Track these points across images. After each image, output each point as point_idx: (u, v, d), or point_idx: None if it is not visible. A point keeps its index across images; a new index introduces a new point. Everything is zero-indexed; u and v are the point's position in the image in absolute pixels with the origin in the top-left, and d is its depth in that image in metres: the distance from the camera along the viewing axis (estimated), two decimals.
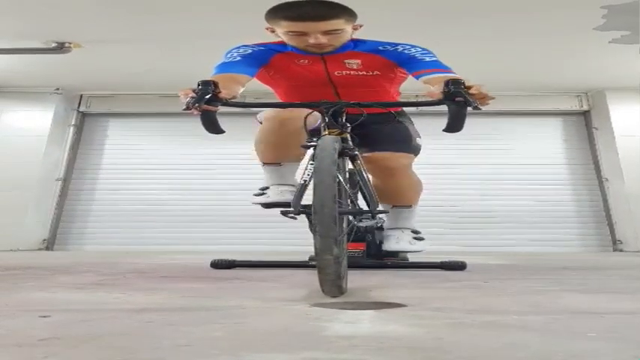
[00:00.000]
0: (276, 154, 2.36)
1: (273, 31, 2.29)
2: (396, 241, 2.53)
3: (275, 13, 2.19)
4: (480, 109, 1.71)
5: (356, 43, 2.35)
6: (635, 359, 0.82)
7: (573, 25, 4.24)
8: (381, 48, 2.34)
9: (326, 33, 2.20)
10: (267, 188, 2.44)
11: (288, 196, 2.36)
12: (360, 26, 2.32)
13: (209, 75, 1.94)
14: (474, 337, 0.97)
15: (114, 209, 5.82)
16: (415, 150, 2.56)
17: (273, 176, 2.43)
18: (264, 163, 2.45)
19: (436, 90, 1.81)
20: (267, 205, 2.37)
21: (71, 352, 0.84)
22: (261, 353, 0.83)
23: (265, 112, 2.42)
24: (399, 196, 2.53)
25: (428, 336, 0.97)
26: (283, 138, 2.25)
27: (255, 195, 2.44)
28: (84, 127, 6.28)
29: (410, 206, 2.58)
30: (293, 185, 2.44)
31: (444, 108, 1.80)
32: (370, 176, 2.38)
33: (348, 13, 2.22)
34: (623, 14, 3.98)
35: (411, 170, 2.54)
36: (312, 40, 2.21)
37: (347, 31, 2.26)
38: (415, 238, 2.56)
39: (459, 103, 1.72)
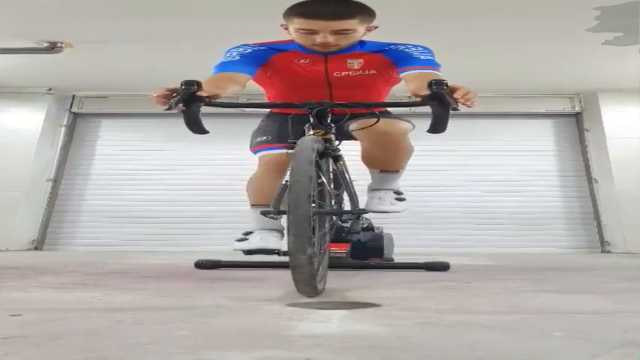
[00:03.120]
0: (268, 195, 2.33)
1: (286, 29, 2.28)
2: (378, 202, 2.40)
3: (291, 10, 2.18)
4: (458, 109, 1.71)
5: (363, 44, 2.33)
6: (593, 358, 0.83)
7: (566, 27, 4.24)
8: (386, 48, 2.32)
9: (335, 32, 2.18)
10: (250, 233, 2.38)
11: (271, 243, 2.31)
12: (375, 28, 2.30)
13: (202, 76, 1.93)
14: (439, 337, 0.98)
15: (104, 210, 5.79)
16: (410, 122, 2.46)
17: (260, 221, 2.32)
18: (253, 205, 2.42)
19: (420, 87, 1.80)
20: (248, 252, 2.30)
21: (33, 350, 0.84)
22: (220, 351, 0.83)
23: (262, 156, 2.44)
24: (390, 162, 2.40)
25: (393, 335, 0.98)
26: (278, 180, 2.23)
27: (237, 240, 2.36)
28: (75, 127, 6.24)
29: (397, 170, 2.45)
30: (279, 231, 2.39)
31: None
32: (364, 144, 2.36)
33: (365, 14, 2.20)
34: (617, 16, 4.00)
35: (407, 137, 2.42)
36: (319, 39, 2.19)
37: (358, 32, 2.23)
38: (397, 199, 2.43)
39: (440, 104, 1.73)
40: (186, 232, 5.60)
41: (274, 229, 2.37)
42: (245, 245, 2.30)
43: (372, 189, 2.46)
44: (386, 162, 2.39)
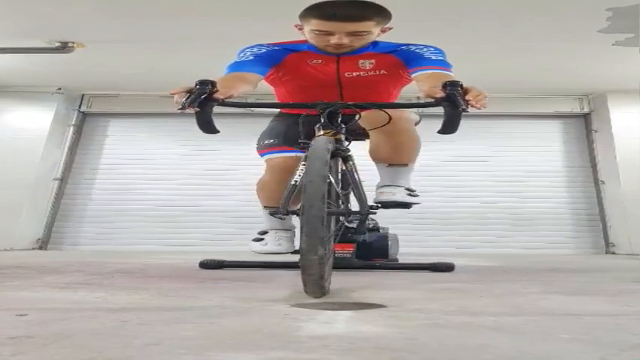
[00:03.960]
0: (278, 200, 2.34)
1: (301, 29, 2.29)
2: (390, 194, 2.36)
3: (309, 11, 2.18)
4: (467, 111, 1.71)
5: (375, 44, 2.33)
6: None
7: (577, 27, 4.23)
8: (398, 49, 2.33)
9: (350, 34, 2.19)
10: (265, 233, 2.49)
11: (285, 245, 2.45)
12: (390, 29, 2.30)
13: (213, 75, 1.93)
14: (446, 338, 0.97)
15: (110, 209, 5.80)
16: (416, 115, 2.49)
17: (272, 221, 2.45)
18: (265, 207, 2.50)
19: (434, 88, 1.80)
20: (264, 254, 2.47)
21: (40, 350, 0.84)
22: (228, 353, 0.83)
23: (269, 159, 2.47)
24: (398, 151, 2.36)
25: (400, 336, 0.98)
26: (285, 185, 2.24)
27: (254, 240, 2.50)
28: (84, 127, 6.26)
29: (406, 165, 2.42)
30: (290, 230, 2.53)
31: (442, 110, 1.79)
32: (372, 136, 2.37)
33: (381, 15, 2.20)
34: (628, 16, 3.99)
35: (413, 126, 2.42)
36: (334, 41, 2.20)
37: (373, 34, 2.24)
38: (409, 195, 2.39)
39: (452, 105, 1.72)
40: (192, 232, 5.62)
41: (286, 229, 2.49)
42: (261, 248, 2.46)
43: (380, 186, 2.41)
44: (394, 152, 2.35)
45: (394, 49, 2.33)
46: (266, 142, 2.52)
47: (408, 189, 2.39)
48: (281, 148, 2.44)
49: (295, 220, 2.29)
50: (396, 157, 2.37)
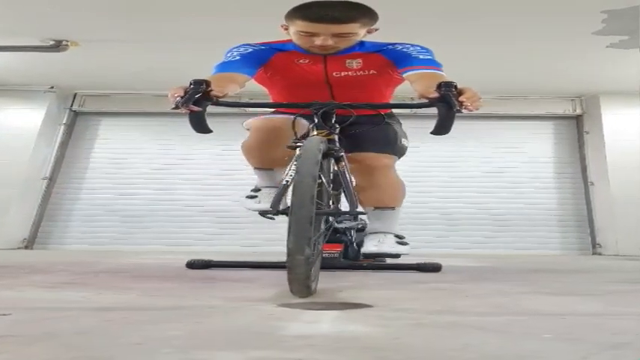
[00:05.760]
0: (268, 161, 2.34)
1: (286, 29, 2.28)
2: (377, 244, 2.35)
3: (294, 12, 2.18)
4: (460, 112, 1.72)
5: (362, 44, 2.33)
6: None
7: (572, 29, 4.25)
8: (384, 48, 2.32)
9: (335, 36, 2.18)
10: (259, 190, 2.41)
11: (282, 204, 2.35)
12: (376, 30, 2.29)
13: (205, 75, 1.93)
14: (430, 338, 0.98)
15: (98, 209, 5.75)
16: (399, 151, 2.49)
17: (265, 179, 2.41)
18: (256, 168, 2.44)
19: (429, 89, 1.80)
20: (263, 213, 2.31)
21: (23, 350, 0.84)
22: (213, 352, 0.83)
23: (252, 121, 2.40)
24: (381, 196, 2.41)
25: (385, 336, 0.98)
26: (273, 147, 2.20)
27: (248, 197, 2.40)
28: (75, 126, 6.19)
29: (392, 208, 2.43)
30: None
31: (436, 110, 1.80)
32: (353, 177, 2.38)
33: (367, 17, 2.20)
34: (621, 19, 4.03)
35: (393, 171, 2.46)
36: (318, 42, 2.19)
37: (358, 35, 2.24)
38: (398, 243, 2.39)
39: (446, 106, 1.72)
40: (183, 232, 5.58)
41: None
42: (256, 205, 2.35)
43: (369, 232, 2.45)
44: (377, 197, 2.39)
45: (380, 49, 2.33)
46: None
47: (397, 236, 2.41)
48: (266, 114, 2.41)
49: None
50: (380, 202, 2.41)
